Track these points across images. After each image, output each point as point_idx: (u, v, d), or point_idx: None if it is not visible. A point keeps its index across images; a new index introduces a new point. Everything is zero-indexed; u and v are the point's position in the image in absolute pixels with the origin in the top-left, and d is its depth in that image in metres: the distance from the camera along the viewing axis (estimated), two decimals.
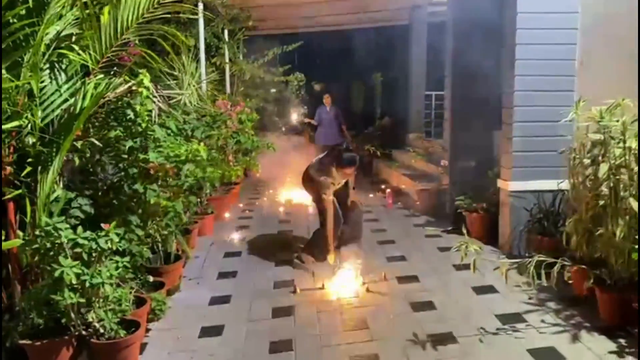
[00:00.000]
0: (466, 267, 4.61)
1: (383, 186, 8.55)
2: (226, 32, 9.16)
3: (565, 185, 4.05)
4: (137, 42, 4.09)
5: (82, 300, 3.01)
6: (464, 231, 3.72)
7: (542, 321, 3.54)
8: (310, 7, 10.34)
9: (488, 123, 6.19)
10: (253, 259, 5.20)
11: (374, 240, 5.54)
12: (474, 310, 3.80)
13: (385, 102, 13.05)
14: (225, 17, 8.70)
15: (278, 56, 10.67)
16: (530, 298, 3.90)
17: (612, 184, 3.28)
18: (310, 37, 11.73)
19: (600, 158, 3.46)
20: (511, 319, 3.60)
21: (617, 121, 3.18)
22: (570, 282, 3.52)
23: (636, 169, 3.12)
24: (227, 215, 6.87)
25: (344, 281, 4.37)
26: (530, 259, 3.54)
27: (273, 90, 11.22)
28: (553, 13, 4.55)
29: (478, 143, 6.18)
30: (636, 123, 3.20)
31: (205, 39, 6.93)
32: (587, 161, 3.52)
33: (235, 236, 6.01)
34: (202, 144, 3.68)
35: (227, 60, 9.03)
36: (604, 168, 3.24)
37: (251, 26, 9.67)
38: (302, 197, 7.94)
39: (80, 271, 2.92)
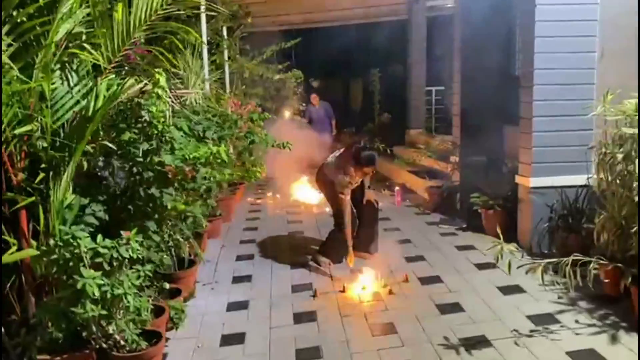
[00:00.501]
0: (488, 266, 4.58)
1: (387, 183, 8.45)
2: (225, 29, 8.98)
3: (591, 180, 3.95)
4: (142, 40, 3.94)
5: (104, 312, 2.86)
6: (498, 231, 3.55)
7: (577, 321, 3.44)
8: (308, 3, 10.22)
9: (499, 118, 6.09)
10: (266, 261, 5.06)
11: (389, 239, 5.42)
12: (504, 311, 3.69)
13: (384, 99, 12.93)
14: (225, 13, 8.53)
15: (276, 53, 10.51)
16: (560, 297, 3.80)
17: None
18: (308, 33, 11.58)
19: (633, 153, 3.35)
20: (544, 320, 3.49)
21: None
22: (606, 280, 3.41)
23: None
24: (234, 216, 6.72)
25: (364, 283, 4.24)
26: (562, 258, 3.42)
27: (271, 87, 11.05)
28: (572, 4, 4.45)
29: (489, 138, 6.07)
30: None
31: (208, 37, 6.77)
32: (619, 156, 3.42)
33: (245, 238, 5.86)
34: (222, 145, 3.53)
35: (226, 58, 8.85)
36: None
37: (249, 23, 9.50)
38: (308, 196, 7.84)
39: (102, 282, 2.78)
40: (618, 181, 3.50)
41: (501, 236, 3.30)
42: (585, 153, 4.45)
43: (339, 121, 11.06)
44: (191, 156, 3.32)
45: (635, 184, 3.32)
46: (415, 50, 10.76)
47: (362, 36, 12.26)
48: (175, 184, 3.69)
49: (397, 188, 7.39)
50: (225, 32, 8.96)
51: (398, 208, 6.99)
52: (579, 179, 4.54)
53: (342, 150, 4.80)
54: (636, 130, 3.28)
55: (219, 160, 3.37)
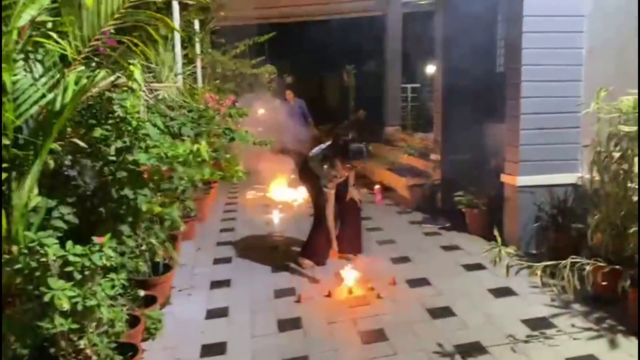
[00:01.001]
0: (476, 267, 4.47)
1: (366, 181, 8.30)
2: (197, 22, 8.67)
3: (582, 179, 3.86)
4: (112, 31, 3.67)
5: (75, 326, 2.61)
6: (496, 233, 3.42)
7: (573, 325, 3.34)
8: None
9: (481, 116, 6.02)
10: (245, 264, 4.84)
11: (373, 239, 5.26)
12: (497, 315, 3.56)
13: (360, 95, 12.79)
14: (197, 5, 8.22)
15: (249, 48, 10.24)
16: (552, 300, 3.69)
17: None
18: (282, 28, 11.32)
19: (630, 152, 3.26)
20: (539, 324, 3.37)
21: None
22: (604, 283, 3.31)
23: None
24: (208, 216, 6.46)
25: (350, 287, 4.07)
26: (559, 261, 3.31)
27: (244, 83, 10.77)
28: None
29: (471, 136, 5.99)
30: None
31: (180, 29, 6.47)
32: (616, 155, 3.32)
33: (222, 240, 5.62)
34: (203, 142, 3.30)
35: (198, 51, 8.54)
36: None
37: (222, 16, 9.21)
38: (285, 194, 7.64)
39: (73, 293, 2.52)
40: (613, 181, 3.41)
41: (499, 239, 3.17)
42: (575, 151, 4.37)
43: (313, 117, 10.86)
44: (169, 154, 3.08)
45: (631, 184, 3.23)
46: (391, 46, 10.64)
47: (338, 32, 12.08)
48: (151, 185, 3.45)
49: (377, 186, 7.23)
50: (197, 25, 8.66)
51: (379, 207, 6.84)
52: (568, 178, 4.46)
53: (328, 143, 4.58)
54: (633, 128, 3.19)
55: (199, 159, 3.13)
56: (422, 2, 11.63)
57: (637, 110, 3.11)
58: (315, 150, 4.60)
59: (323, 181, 4.38)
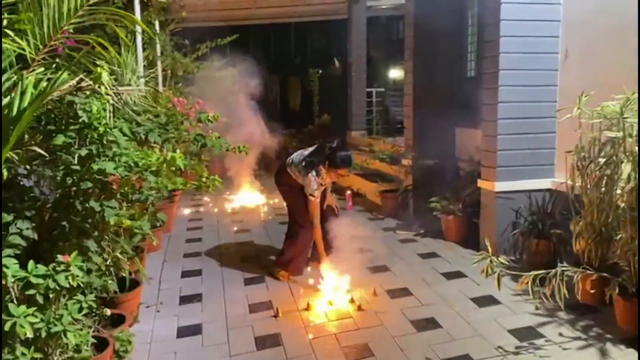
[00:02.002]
0: (456, 275, 4.39)
1: (335, 186, 8.15)
2: (157, 22, 8.35)
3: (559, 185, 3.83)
4: (71, 30, 3.40)
5: (38, 355, 2.35)
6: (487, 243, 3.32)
7: (561, 334, 3.27)
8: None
9: (453, 120, 5.98)
10: (216, 276, 4.60)
11: (348, 247, 5.09)
12: (483, 325, 3.46)
13: (324, 99, 12.66)
14: (157, 5, 7.91)
15: (210, 50, 9.97)
16: (537, 308, 3.63)
17: (633, 185, 3.05)
18: (245, 30, 11.09)
19: (614, 157, 3.23)
20: (527, 335, 3.30)
21: None
22: (592, 291, 3.26)
23: None
24: (173, 226, 6.18)
25: (330, 299, 3.91)
26: (550, 270, 3.25)
27: (206, 86, 10.47)
28: (537, 3, 4.34)
29: (443, 141, 5.94)
30: None
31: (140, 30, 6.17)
32: (601, 160, 3.29)
33: (190, 251, 5.36)
34: (178, 150, 3.07)
35: (159, 53, 8.22)
36: (626, 168, 3.00)
37: (183, 17, 8.92)
38: (251, 201, 7.42)
39: (36, 319, 2.26)
40: (596, 187, 3.38)
41: (490, 248, 3.07)
42: (552, 156, 4.36)
43: (275, 122, 10.64)
44: (140, 163, 2.84)
45: (617, 189, 3.20)
46: (355, 50, 10.55)
47: (302, 35, 11.95)
48: (118, 195, 3.19)
49: (348, 192, 7.08)
50: (157, 26, 8.35)
51: (350, 213, 6.69)
52: (546, 183, 4.44)
53: (311, 149, 4.38)
54: (618, 134, 3.16)
55: (172, 168, 2.91)
56: (385, 7, 11.66)
57: (622, 116, 3.07)
58: (296, 155, 4.39)
59: (308, 189, 4.19)
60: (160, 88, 8.09)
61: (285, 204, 4.65)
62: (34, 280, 2.33)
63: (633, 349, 3.06)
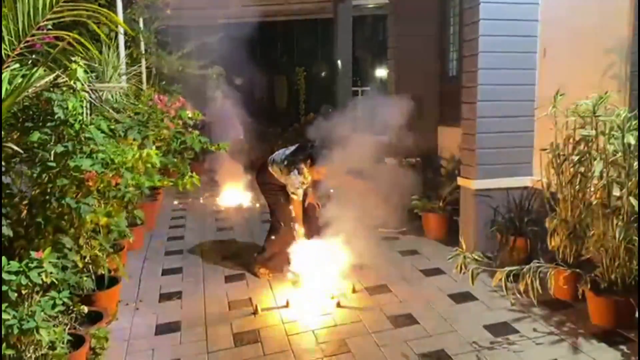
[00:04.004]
0: (434, 272, 4.44)
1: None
2: (141, 20, 8.31)
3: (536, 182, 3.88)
4: (49, 26, 3.39)
5: (11, 351, 2.35)
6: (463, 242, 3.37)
7: (535, 330, 3.32)
8: None
9: (435, 118, 6.02)
10: (197, 274, 4.60)
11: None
12: (459, 321, 3.50)
13: (310, 98, 12.67)
14: (141, 3, 7.87)
15: (195, 49, 9.93)
16: (512, 304, 3.67)
17: (605, 182, 3.10)
18: (230, 29, 11.06)
19: (587, 155, 3.28)
20: (502, 330, 3.34)
21: (617, 116, 2.99)
22: (565, 286, 3.32)
23: (635, 166, 2.95)
24: (155, 224, 6.16)
25: (309, 296, 3.93)
26: (523, 266, 3.29)
27: (191, 85, 10.43)
28: (515, 3, 4.38)
29: (424, 139, 5.97)
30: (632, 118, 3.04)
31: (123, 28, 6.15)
32: (575, 158, 3.34)
33: (171, 249, 5.35)
34: (154, 147, 3.08)
35: (143, 51, 8.18)
36: (598, 166, 3.05)
37: (168, 15, 8.88)
38: (234, 199, 7.41)
39: (8, 316, 2.26)
40: (571, 184, 3.43)
41: (464, 245, 3.11)
42: (530, 154, 4.41)
43: (261, 120, 10.62)
44: (116, 160, 2.84)
45: (590, 186, 3.25)
46: (341, 49, 10.55)
47: (288, 34, 11.95)
48: (95, 193, 3.18)
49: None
50: (142, 24, 8.31)
51: None
52: (524, 181, 4.49)
53: (293, 147, 4.39)
54: (591, 132, 3.21)
55: (149, 165, 2.91)
56: (371, 6, 11.69)
57: (595, 114, 3.12)
58: (278, 154, 4.41)
59: (290, 188, 4.20)
60: (144, 86, 8.06)
61: (266, 202, 4.66)
62: (6, 276, 2.33)
63: (604, 343, 3.11)
